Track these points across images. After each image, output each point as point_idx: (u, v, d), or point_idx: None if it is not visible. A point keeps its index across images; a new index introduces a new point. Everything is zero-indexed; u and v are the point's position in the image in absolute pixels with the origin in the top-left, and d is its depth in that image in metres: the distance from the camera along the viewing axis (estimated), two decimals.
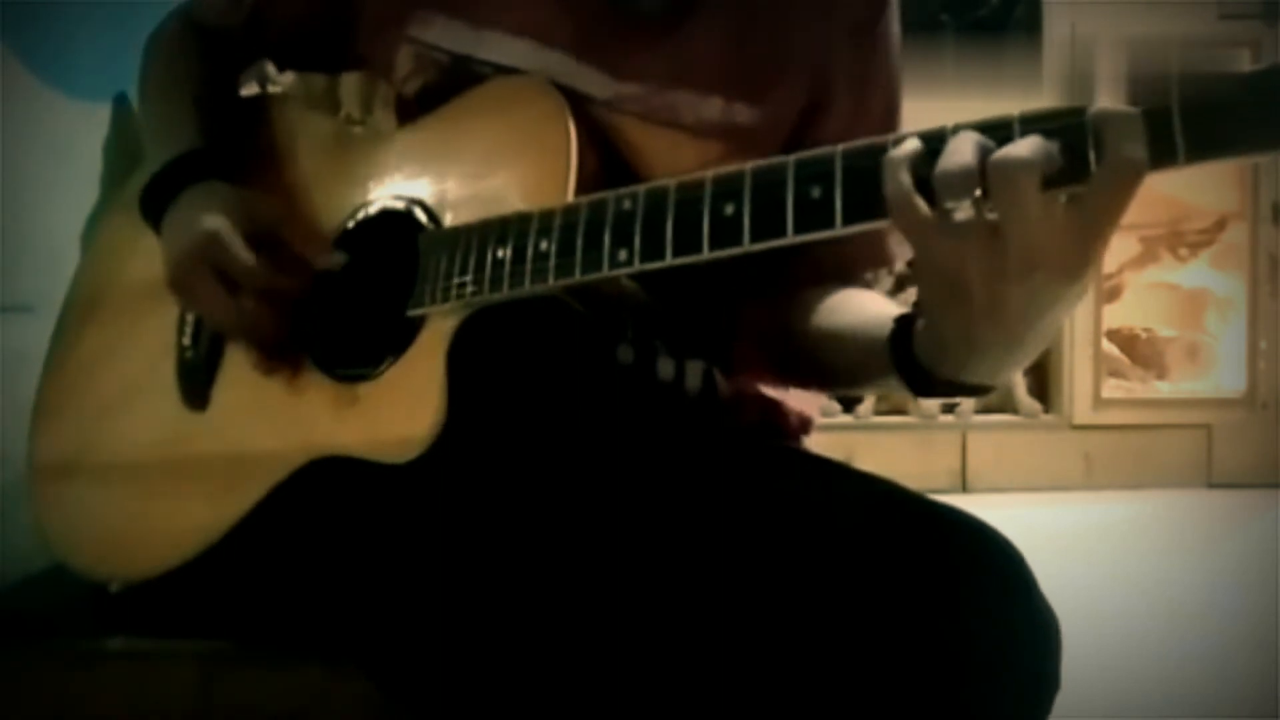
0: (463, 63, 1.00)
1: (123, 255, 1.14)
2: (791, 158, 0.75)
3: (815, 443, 1.08)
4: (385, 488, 0.89)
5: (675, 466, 0.88)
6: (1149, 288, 3.88)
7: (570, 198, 0.87)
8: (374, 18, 1.05)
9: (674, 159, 0.95)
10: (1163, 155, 0.64)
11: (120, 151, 1.67)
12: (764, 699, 0.72)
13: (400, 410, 0.89)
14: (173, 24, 1.18)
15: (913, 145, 0.70)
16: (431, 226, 0.94)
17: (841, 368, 0.96)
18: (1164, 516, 3.35)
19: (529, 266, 0.84)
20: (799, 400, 1.06)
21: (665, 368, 0.99)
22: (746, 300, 1.02)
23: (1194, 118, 0.63)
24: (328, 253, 0.98)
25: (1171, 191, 3.55)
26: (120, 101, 1.69)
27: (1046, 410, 3.66)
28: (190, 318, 1.04)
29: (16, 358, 1.30)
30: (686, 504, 0.83)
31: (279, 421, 0.97)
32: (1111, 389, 3.72)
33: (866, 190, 0.71)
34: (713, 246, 0.77)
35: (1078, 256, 0.68)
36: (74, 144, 1.63)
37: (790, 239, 0.74)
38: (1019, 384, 3.58)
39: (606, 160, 0.94)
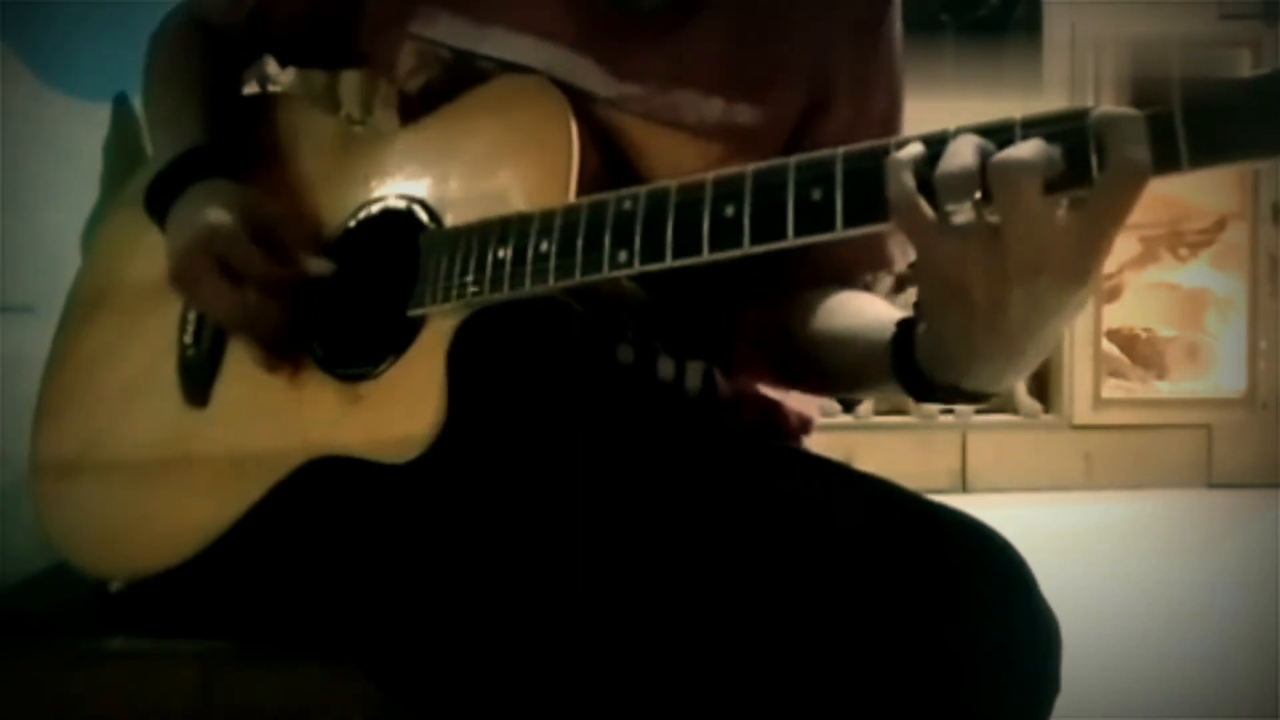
0: (465, 59, 1.00)
1: (125, 254, 1.14)
2: (792, 160, 0.75)
3: (815, 443, 1.08)
4: (385, 487, 0.89)
5: (675, 467, 0.88)
6: (1149, 288, 3.88)
7: (571, 198, 0.87)
8: (376, 15, 1.05)
9: (676, 159, 0.95)
10: (1166, 160, 0.64)
11: (120, 151, 1.68)
12: (764, 699, 0.72)
13: (400, 410, 0.89)
14: (176, 22, 1.18)
15: (916, 148, 0.70)
16: (432, 226, 0.94)
17: (841, 370, 0.96)
18: (1164, 516, 3.35)
19: (529, 267, 0.85)
20: (799, 401, 1.06)
21: (665, 368, 0.99)
22: (746, 301, 1.03)
23: (1197, 122, 0.63)
24: (325, 253, 0.98)
25: (1171, 191, 3.55)
26: (120, 101, 1.69)
27: (1046, 410, 3.66)
28: (192, 315, 1.04)
29: (16, 358, 1.30)
30: (686, 504, 0.83)
31: (279, 420, 0.97)
32: (1111, 389, 3.72)
33: (867, 193, 0.71)
34: (713, 248, 0.77)
35: (1081, 261, 0.68)
36: (74, 144, 1.64)
37: (790, 241, 0.74)
38: (1019, 384, 3.58)
39: (608, 160, 0.94)
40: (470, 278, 0.88)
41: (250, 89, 1.22)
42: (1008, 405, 3.60)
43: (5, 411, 1.30)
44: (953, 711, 0.70)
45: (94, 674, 0.98)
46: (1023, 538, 0.76)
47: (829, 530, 0.76)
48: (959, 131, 0.69)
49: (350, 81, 1.66)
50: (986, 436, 3.61)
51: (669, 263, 0.79)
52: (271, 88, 1.52)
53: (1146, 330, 3.88)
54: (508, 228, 0.87)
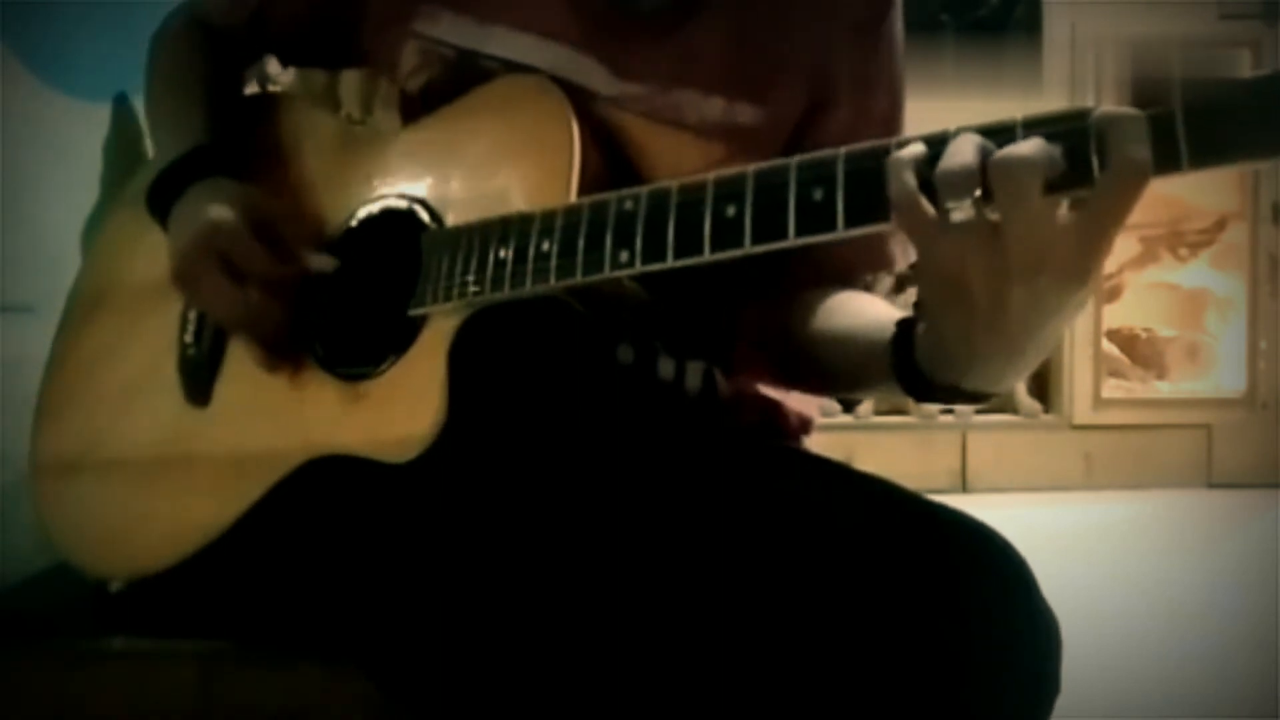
0: (468, 58, 1.00)
1: (126, 253, 1.14)
2: (794, 160, 0.75)
3: (815, 443, 1.08)
4: (385, 487, 0.90)
5: (675, 466, 0.88)
6: (1149, 288, 3.88)
7: (573, 198, 0.87)
8: (379, 14, 1.05)
9: (677, 159, 0.95)
10: (1166, 160, 0.64)
11: (120, 151, 1.68)
12: (764, 700, 0.72)
13: (401, 409, 0.89)
14: (178, 21, 1.18)
15: (917, 147, 0.70)
16: (434, 226, 0.94)
17: (841, 370, 0.96)
18: (1164, 516, 3.36)
19: (530, 267, 0.85)
20: (799, 401, 1.07)
21: (665, 368, 0.99)
22: (747, 302, 1.03)
23: (1198, 122, 0.63)
24: (326, 253, 0.98)
25: (1171, 191, 3.55)
26: (120, 101, 1.69)
27: (1046, 410, 3.66)
28: (193, 315, 1.05)
29: (16, 358, 1.30)
30: (686, 504, 0.83)
31: (280, 419, 0.97)
32: (1111, 389, 3.73)
33: (868, 193, 0.72)
34: (714, 248, 0.77)
35: (1081, 260, 0.68)
36: (74, 144, 1.64)
37: (792, 241, 0.74)
38: (1019, 384, 3.58)
39: (610, 159, 0.94)
40: (471, 277, 0.88)
41: (250, 89, 1.22)
42: (1008, 405, 3.60)
43: (5, 411, 1.30)
44: (953, 711, 0.70)
45: (94, 674, 0.98)
46: (1023, 538, 0.76)
47: (829, 530, 0.76)
48: (960, 131, 0.69)
49: (350, 81, 1.66)
50: (986, 436, 3.61)
51: (670, 263, 0.79)
52: (271, 88, 1.52)
53: (1146, 330, 3.88)
54: (509, 227, 0.87)
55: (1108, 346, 3.75)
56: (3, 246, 1.48)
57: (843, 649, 0.71)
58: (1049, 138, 0.66)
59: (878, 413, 3.58)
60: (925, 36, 3.29)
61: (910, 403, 3.42)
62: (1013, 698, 0.72)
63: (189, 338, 1.04)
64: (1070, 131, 0.66)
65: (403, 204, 0.97)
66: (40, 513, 1.09)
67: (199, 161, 1.03)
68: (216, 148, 1.05)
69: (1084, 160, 0.66)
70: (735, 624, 0.74)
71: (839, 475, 0.87)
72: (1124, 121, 0.65)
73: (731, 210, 0.76)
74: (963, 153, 0.68)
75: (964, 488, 3.56)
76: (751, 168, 0.76)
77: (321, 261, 0.97)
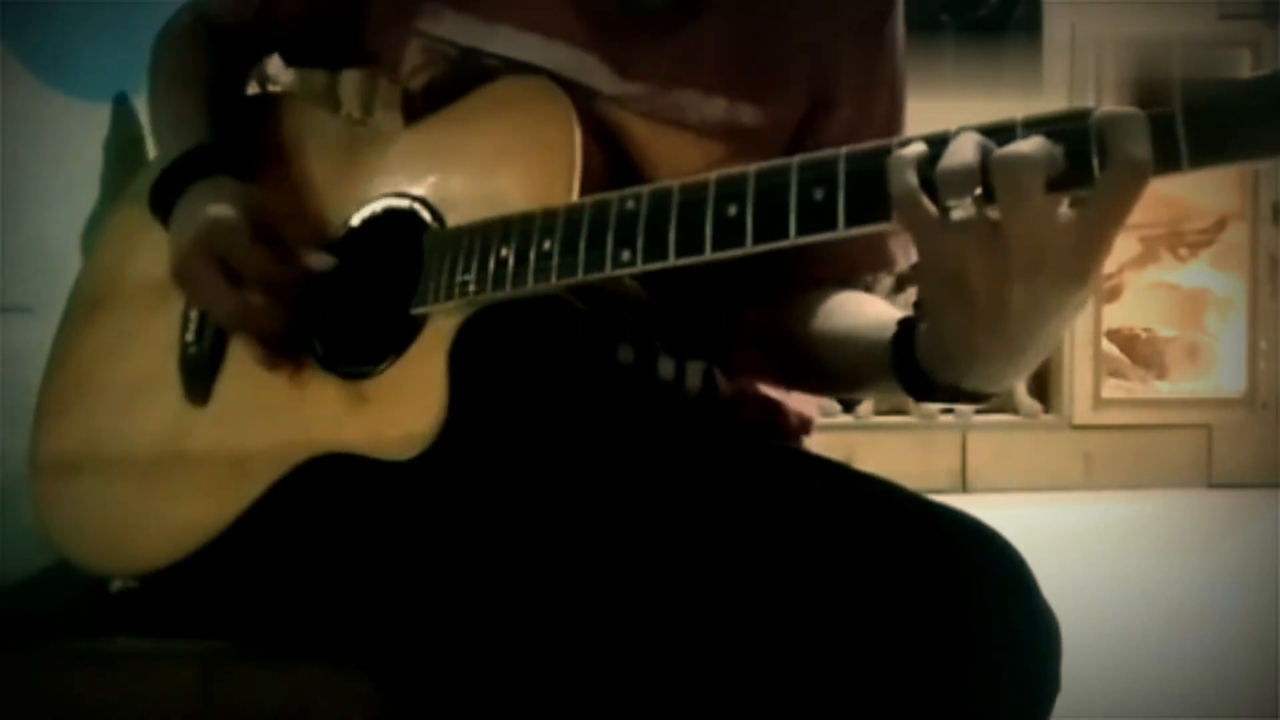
0: (470, 56, 1.00)
1: (127, 252, 1.14)
2: (795, 159, 0.75)
3: (815, 443, 1.08)
4: (386, 485, 0.90)
5: (675, 466, 0.88)
6: (1149, 288, 3.88)
7: (574, 197, 0.87)
8: (382, 13, 1.05)
9: (679, 159, 0.95)
10: (1167, 160, 0.64)
11: (120, 152, 1.68)
12: (764, 700, 0.72)
13: (402, 408, 0.89)
14: (182, 19, 1.18)
15: (919, 146, 0.70)
16: (435, 225, 0.94)
17: (841, 370, 0.96)
18: (1164, 516, 3.35)
19: (532, 266, 0.85)
20: (799, 401, 1.07)
21: (666, 368, 0.99)
22: (747, 301, 1.03)
23: (1198, 122, 0.63)
24: (327, 252, 0.98)
25: (1171, 191, 3.55)
26: (120, 101, 1.69)
27: (1046, 410, 3.66)
28: (194, 313, 1.05)
29: (16, 358, 1.30)
30: (686, 504, 0.83)
31: (280, 417, 0.97)
32: (1111, 389, 3.72)
33: (869, 192, 0.72)
34: (715, 247, 0.77)
35: (1081, 260, 0.68)
36: (74, 144, 1.64)
37: (793, 240, 0.74)
38: (1019, 384, 3.58)
39: (611, 159, 0.94)
40: (473, 276, 0.88)
41: (251, 89, 1.22)
42: (1008, 405, 3.60)
43: (5, 411, 1.30)
44: (953, 711, 0.70)
45: (94, 674, 0.98)
46: (1023, 538, 0.76)
47: (829, 530, 0.76)
48: (961, 131, 0.69)
49: (351, 81, 1.66)
50: (986, 436, 3.61)
51: (672, 262, 0.79)
52: (272, 87, 1.52)
53: (1146, 330, 3.88)
54: (510, 227, 0.87)
55: (1108, 346, 3.75)
56: (2, 246, 1.48)
57: (843, 649, 0.71)
58: (1050, 137, 0.67)
59: (878, 413, 3.58)
60: (925, 36, 3.29)
61: (910, 403, 3.42)
62: (1013, 697, 0.72)
63: (190, 336, 1.04)
64: (1071, 131, 0.67)
65: (404, 203, 0.97)
66: (40, 512, 1.09)
67: (201, 160, 1.03)
68: (219, 147, 1.05)
69: (1084, 160, 0.66)
70: (735, 624, 0.74)
71: (839, 475, 0.87)
72: (1124, 121, 0.65)
73: (733, 210, 0.76)
74: (964, 151, 0.68)
75: (964, 488, 3.56)
76: (753, 167, 0.77)
77: (321, 261, 0.97)
